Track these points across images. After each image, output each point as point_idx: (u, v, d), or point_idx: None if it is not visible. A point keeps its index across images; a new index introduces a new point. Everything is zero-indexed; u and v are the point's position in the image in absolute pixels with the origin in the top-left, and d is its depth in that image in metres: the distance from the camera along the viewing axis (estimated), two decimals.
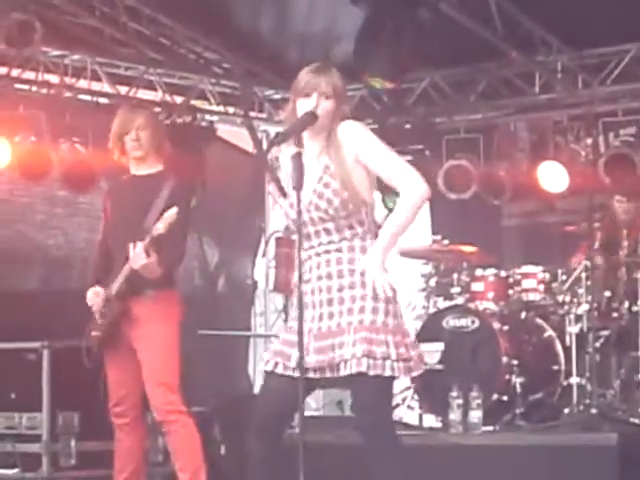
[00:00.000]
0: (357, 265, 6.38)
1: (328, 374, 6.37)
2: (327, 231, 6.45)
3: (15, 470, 11.47)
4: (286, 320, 6.45)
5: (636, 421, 10.65)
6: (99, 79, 12.79)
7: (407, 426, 11.18)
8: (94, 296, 8.61)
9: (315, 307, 6.47)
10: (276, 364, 6.36)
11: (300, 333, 6.11)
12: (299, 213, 6.30)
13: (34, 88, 12.46)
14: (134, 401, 8.80)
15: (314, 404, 8.78)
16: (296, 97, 6.56)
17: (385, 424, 6.68)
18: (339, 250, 6.44)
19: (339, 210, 6.36)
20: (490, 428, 10.69)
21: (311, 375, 6.35)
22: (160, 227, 8.13)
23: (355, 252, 6.42)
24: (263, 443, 6.55)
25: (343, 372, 6.25)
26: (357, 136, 6.49)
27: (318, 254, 6.48)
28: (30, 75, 12.34)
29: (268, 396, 6.60)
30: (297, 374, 6.17)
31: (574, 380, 11.01)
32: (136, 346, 8.55)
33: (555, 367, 11.14)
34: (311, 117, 6.44)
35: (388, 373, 6.24)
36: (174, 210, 8.11)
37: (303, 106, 6.45)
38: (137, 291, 8.54)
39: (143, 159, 8.84)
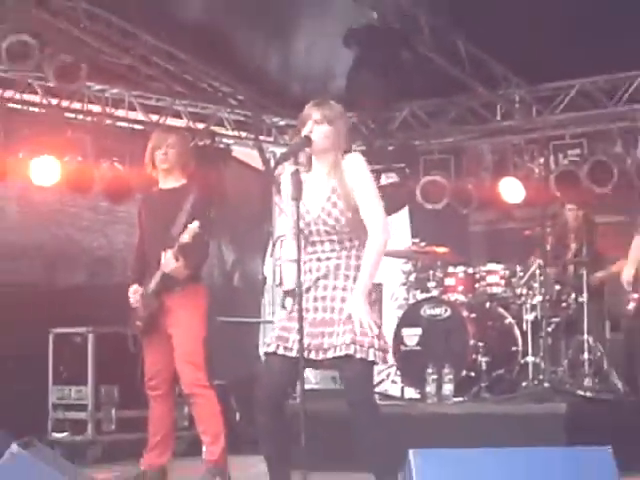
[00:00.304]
0: (350, 272, 6.58)
1: (313, 356, 6.50)
2: (331, 242, 6.62)
3: (65, 434, 11.51)
4: (284, 308, 6.47)
5: (582, 393, 10.70)
6: (134, 109, 12.85)
7: (391, 397, 11.35)
8: (134, 293, 8.74)
9: (311, 300, 6.59)
10: (277, 346, 6.48)
11: (300, 320, 6.19)
12: (297, 221, 6.41)
13: (80, 116, 12.42)
14: (165, 376, 8.92)
15: (313, 379, 8.68)
16: (300, 127, 6.69)
17: (368, 398, 6.83)
18: (339, 258, 6.60)
19: (343, 227, 6.52)
20: (460, 399, 10.71)
21: (310, 355, 6.49)
22: (186, 237, 8.37)
23: (351, 260, 6.59)
24: (268, 413, 6.66)
25: (331, 354, 6.42)
26: (357, 172, 6.65)
27: (319, 259, 6.64)
28: (77, 105, 12.35)
29: (271, 374, 6.68)
30: (293, 354, 6.38)
31: (530, 359, 11.11)
32: (170, 332, 8.70)
33: (514, 348, 11.20)
34: (305, 140, 6.63)
35: (371, 358, 6.42)
36: (196, 223, 8.31)
37: (302, 133, 6.61)
38: (169, 288, 8.69)
39: (169, 172, 8.96)
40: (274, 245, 14.15)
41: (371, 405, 6.85)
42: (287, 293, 6.75)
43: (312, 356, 6.49)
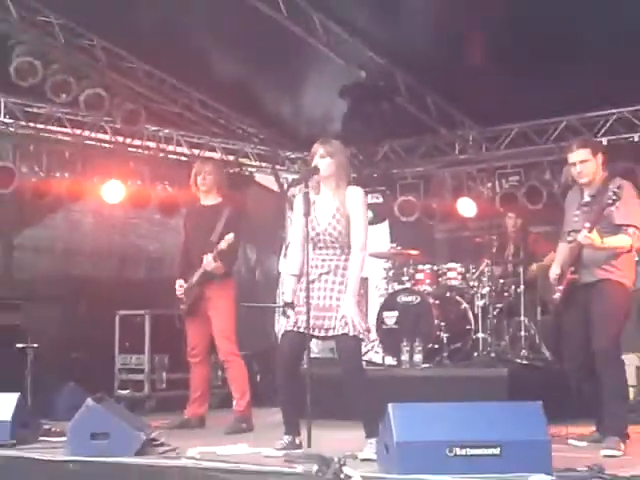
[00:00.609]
0: (347, 271, 6.77)
1: (317, 333, 6.75)
2: (333, 248, 6.82)
3: (127, 391, 11.57)
4: (287, 317, 6.57)
5: (519, 361, 10.67)
6: (181, 145, 12.84)
7: (374, 364, 11.42)
8: (179, 286, 8.90)
9: (316, 290, 6.77)
10: (293, 325, 6.73)
11: (308, 304, 6.52)
12: (307, 231, 6.70)
13: (140, 151, 12.48)
14: (203, 347, 9.10)
15: (316, 349, 8.78)
16: (310, 159, 7.00)
17: (357, 365, 7.00)
18: (338, 260, 6.80)
19: (344, 237, 6.73)
20: (427, 365, 10.69)
21: (314, 332, 6.75)
22: (223, 244, 8.57)
23: (347, 262, 6.79)
24: (285, 375, 6.92)
25: (331, 333, 6.70)
26: (355, 203, 6.85)
27: (324, 260, 6.82)
28: (137, 142, 12.38)
29: (287, 346, 6.86)
30: (302, 331, 6.62)
31: (480, 335, 11.03)
32: (209, 314, 8.86)
33: (468, 327, 11.12)
34: (313, 169, 6.87)
35: (360, 337, 6.74)
36: (232, 235, 8.51)
37: (312, 164, 6.87)
38: (208, 281, 8.84)
39: (208, 192, 9.14)
40: (286, 248, 14.18)
41: (360, 370, 7.02)
42: (287, 305, 6.81)
43: (316, 333, 6.72)
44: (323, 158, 6.79)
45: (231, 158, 13.40)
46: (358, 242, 6.73)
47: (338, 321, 6.62)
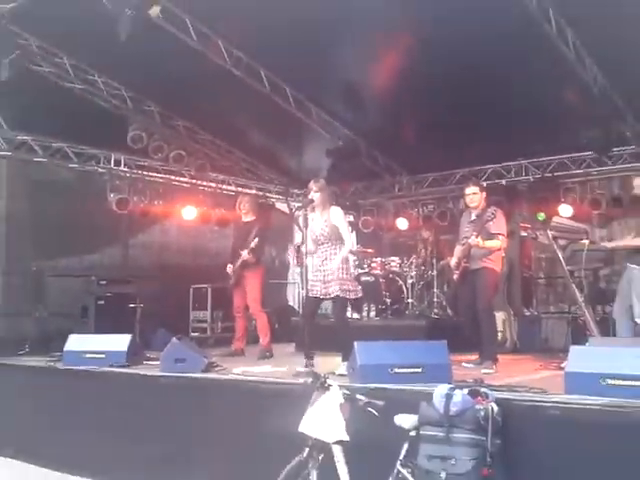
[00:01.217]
0: (336, 257, 6.88)
1: (322, 296, 6.86)
2: (326, 243, 6.95)
3: (197, 333, 11.54)
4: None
5: (433, 316, 10.70)
6: (230, 184, 12.72)
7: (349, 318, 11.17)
8: (229, 269, 8.90)
9: (321, 271, 6.90)
10: (309, 291, 6.84)
11: (306, 281, 6.84)
12: (305, 236, 6.86)
13: (206, 188, 12.37)
14: (242, 307, 9.01)
15: (324, 309, 8.77)
16: (307, 193, 7.18)
17: (344, 317, 7.34)
18: (331, 252, 6.92)
19: (331, 237, 6.89)
20: (378, 319, 10.75)
21: (319, 296, 6.87)
22: (253, 244, 8.60)
23: (336, 252, 6.91)
24: (306, 320, 6.98)
25: (332, 295, 6.79)
26: (337, 217, 6.99)
27: (323, 252, 6.96)
28: (204, 183, 12.27)
29: (308, 305, 7.01)
30: (314, 295, 6.82)
31: (410, 300, 11.11)
32: (245, 286, 8.83)
33: (402, 295, 11.16)
34: (309, 200, 7.05)
35: (348, 296, 6.87)
36: (257, 239, 8.60)
37: (308, 196, 7.04)
38: (245, 267, 8.81)
39: (246, 214, 9.18)
40: (293, 248, 14.20)
41: (345, 320, 7.33)
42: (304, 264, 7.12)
43: (321, 296, 6.85)
44: (315, 192, 6.93)
45: (261, 193, 13.31)
46: (347, 241, 6.95)
47: (334, 287, 6.74)
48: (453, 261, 7.47)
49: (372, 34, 7.88)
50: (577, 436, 4.38)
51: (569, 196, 10.98)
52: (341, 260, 6.82)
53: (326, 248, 6.91)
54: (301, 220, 7.01)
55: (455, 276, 7.47)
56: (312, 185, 7.03)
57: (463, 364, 7.10)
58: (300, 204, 7.82)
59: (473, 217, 7.39)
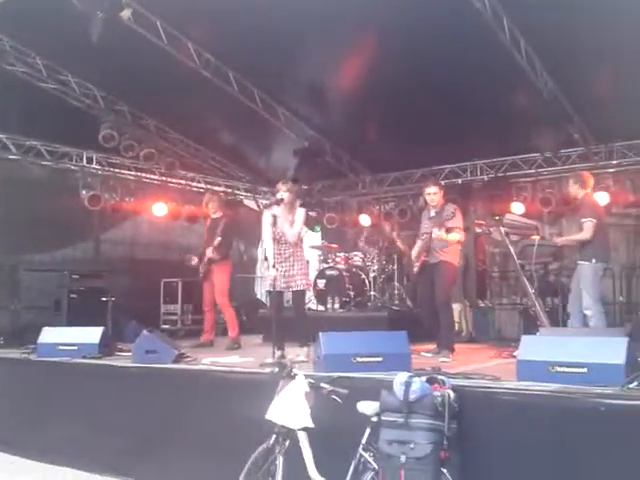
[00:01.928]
0: (296, 255, 7.04)
1: (285, 290, 6.97)
2: (287, 243, 6.99)
3: (168, 326, 11.38)
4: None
5: (394, 308, 10.67)
6: (200, 182, 12.67)
7: (312, 310, 10.98)
8: (195, 263, 8.81)
9: (283, 267, 6.95)
10: (273, 286, 6.75)
11: (274, 278, 6.71)
12: (274, 233, 6.91)
13: (175, 185, 12.33)
14: (211, 300, 8.86)
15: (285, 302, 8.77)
16: (275, 192, 7.17)
17: (304, 308, 7.39)
18: (293, 249, 7.05)
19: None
20: (342, 310, 10.66)
21: (282, 290, 6.97)
22: (216, 242, 8.57)
23: (298, 251, 7.06)
24: (276, 311, 6.95)
25: (294, 289, 6.96)
26: (300, 216, 7.06)
27: (285, 249, 7.02)
28: (174, 180, 12.21)
29: (274, 298, 7.06)
30: (278, 289, 6.82)
31: (372, 293, 11.06)
32: (214, 281, 8.69)
33: (365, 288, 11.08)
34: (279, 199, 6.99)
35: (307, 289, 7.34)
36: (219, 238, 8.57)
37: (278, 195, 7.00)
38: (213, 262, 8.67)
39: (214, 211, 8.98)
40: (261, 243, 14.13)
41: (304, 311, 7.38)
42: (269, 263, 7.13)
43: (284, 290, 6.97)
44: (285, 192, 6.93)
45: (229, 190, 13.26)
46: (291, 235, 6.98)
47: (297, 282, 6.91)
48: (414, 254, 7.56)
49: (335, 39, 7.92)
50: (528, 420, 4.44)
51: (521, 195, 11.14)
52: (302, 257, 7.10)
53: (289, 246, 6.99)
54: (267, 218, 6.95)
55: (415, 269, 7.55)
56: (281, 185, 7.06)
57: (422, 353, 7.15)
58: (268, 202, 7.77)
59: (432, 214, 7.47)
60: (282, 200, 6.91)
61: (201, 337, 9.06)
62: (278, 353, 6.48)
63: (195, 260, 8.80)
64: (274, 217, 6.81)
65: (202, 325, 9.26)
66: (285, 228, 6.93)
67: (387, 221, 12.25)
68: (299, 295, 7.12)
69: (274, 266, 6.76)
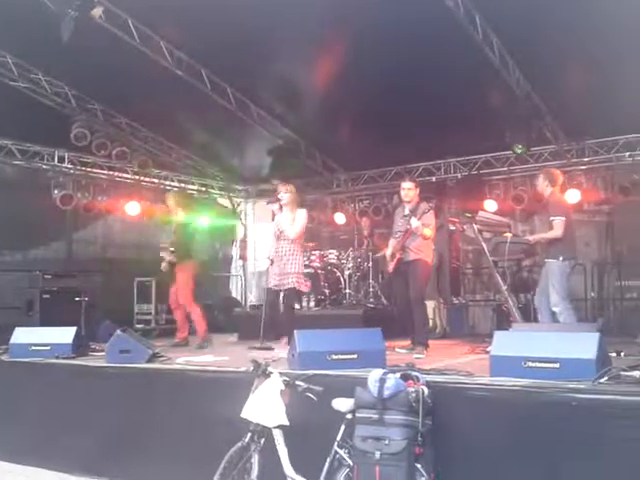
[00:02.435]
0: (294, 253, 7.40)
1: (279, 288, 7.30)
2: (287, 240, 7.35)
3: (142, 325, 11.33)
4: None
5: (369, 305, 10.68)
6: (173, 181, 12.65)
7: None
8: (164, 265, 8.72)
9: (279, 265, 7.32)
10: (269, 283, 7.38)
11: (269, 275, 7.38)
12: (278, 230, 7.38)
13: (149, 184, 12.30)
14: (176, 300, 8.74)
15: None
16: (276, 193, 7.64)
17: (293, 307, 7.66)
18: (291, 247, 7.38)
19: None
20: (317, 308, 10.70)
21: (277, 288, 7.32)
22: (171, 245, 8.55)
23: (296, 251, 7.40)
24: (271, 308, 7.44)
25: (288, 287, 7.27)
26: (301, 216, 7.44)
27: (282, 247, 7.34)
28: (147, 179, 12.18)
29: (269, 295, 7.53)
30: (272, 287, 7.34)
31: (347, 291, 11.11)
32: (177, 280, 8.55)
33: (340, 286, 11.15)
34: (277, 199, 7.50)
35: (300, 288, 7.44)
36: (174, 240, 8.61)
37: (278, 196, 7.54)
38: (175, 264, 8.59)
39: (174, 212, 8.95)
40: (239, 241, 14.15)
41: (293, 309, 7.74)
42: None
43: (279, 288, 7.31)
44: (285, 193, 7.45)
45: (203, 189, 13.23)
46: (292, 233, 7.36)
47: (289, 280, 7.24)
48: (388, 252, 7.57)
49: (308, 38, 7.94)
50: (501, 415, 4.48)
51: (494, 192, 11.26)
52: (298, 257, 7.39)
53: (286, 244, 7.25)
54: (272, 214, 7.56)
55: (390, 267, 7.57)
56: (281, 187, 7.46)
57: (397, 349, 7.18)
58: (270, 200, 7.85)
59: (407, 211, 7.48)
60: (280, 200, 7.30)
61: (175, 336, 9.00)
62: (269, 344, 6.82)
63: (165, 267, 8.70)
64: (275, 214, 7.32)
65: (176, 324, 9.21)
66: (285, 226, 7.25)
67: (362, 218, 12.26)
68: (290, 293, 7.40)
69: (272, 263, 7.22)
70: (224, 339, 9.22)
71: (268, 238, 7.26)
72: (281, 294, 7.55)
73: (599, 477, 4.11)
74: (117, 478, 6.01)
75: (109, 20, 7.77)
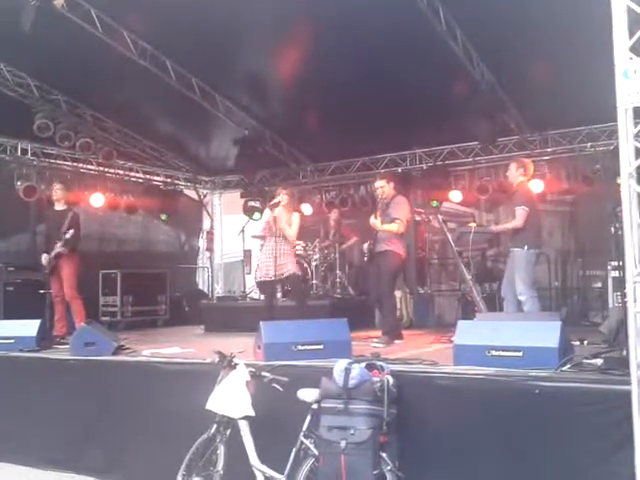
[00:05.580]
0: (285, 248, 7.55)
1: (275, 279, 7.48)
2: (281, 237, 7.50)
3: (107, 317, 11.12)
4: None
5: (336, 296, 10.68)
6: (138, 172, 12.57)
7: (254, 300, 10.96)
8: (45, 257, 8.38)
9: (271, 258, 7.40)
10: (264, 276, 7.55)
11: (261, 269, 7.52)
12: (275, 229, 7.51)
13: (113, 176, 12.16)
14: (60, 291, 8.43)
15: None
16: (275, 195, 7.88)
17: (302, 292, 8.07)
18: (281, 242, 7.49)
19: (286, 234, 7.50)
20: (285, 299, 10.40)
21: (273, 279, 7.46)
22: (68, 235, 8.19)
23: (285, 244, 7.54)
24: (268, 301, 7.66)
25: (285, 275, 7.49)
26: (296, 219, 7.64)
27: (277, 242, 7.46)
28: (111, 170, 12.05)
29: (264, 286, 7.80)
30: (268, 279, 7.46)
31: (314, 281, 11.01)
32: (61, 274, 8.28)
33: (307, 277, 10.98)
34: (277, 203, 7.66)
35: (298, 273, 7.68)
36: (71, 231, 8.22)
37: (278, 198, 7.74)
38: (60, 256, 8.29)
39: (59, 202, 8.76)
40: (205, 233, 14.07)
41: (303, 298, 8.08)
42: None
43: (274, 278, 7.46)
44: (284, 195, 7.65)
45: (169, 180, 13.14)
46: (291, 234, 7.57)
47: (287, 269, 7.45)
48: (365, 246, 7.68)
49: (273, 29, 7.93)
50: (465, 403, 4.55)
51: (459, 183, 11.35)
52: (292, 254, 7.75)
53: (280, 240, 7.43)
54: (270, 216, 7.57)
55: (365, 258, 7.68)
56: (281, 189, 7.81)
57: (374, 340, 7.18)
58: (270, 204, 7.89)
59: (384, 206, 7.54)
60: (279, 203, 7.53)
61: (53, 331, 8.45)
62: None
63: (46, 258, 8.34)
64: (275, 218, 7.44)
65: (143, 317, 9.16)
66: (284, 225, 7.44)
67: (329, 209, 12.26)
68: (293, 280, 7.65)
69: (268, 259, 7.42)
70: (190, 331, 9.19)
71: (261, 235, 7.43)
72: (278, 286, 7.95)
73: (562, 462, 4.19)
74: (82, 471, 6.00)
75: (72, 10, 7.67)
